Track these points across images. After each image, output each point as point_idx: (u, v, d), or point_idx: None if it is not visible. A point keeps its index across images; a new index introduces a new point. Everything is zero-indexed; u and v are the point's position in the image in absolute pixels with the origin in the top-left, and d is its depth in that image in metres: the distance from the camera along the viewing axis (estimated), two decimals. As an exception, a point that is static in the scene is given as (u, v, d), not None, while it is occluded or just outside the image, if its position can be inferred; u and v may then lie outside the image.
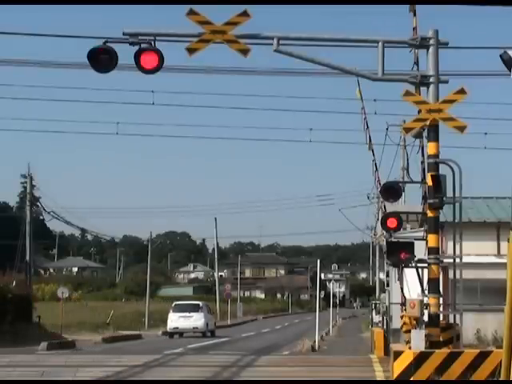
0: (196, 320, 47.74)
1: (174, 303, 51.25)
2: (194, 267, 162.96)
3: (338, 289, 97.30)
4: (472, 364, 16.94)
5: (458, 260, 19.42)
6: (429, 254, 18.62)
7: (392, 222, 19.99)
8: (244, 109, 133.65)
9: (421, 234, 20.45)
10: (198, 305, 49.69)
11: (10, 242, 58.19)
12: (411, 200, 42.29)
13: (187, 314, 47.91)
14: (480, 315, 31.47)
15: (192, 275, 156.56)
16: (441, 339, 18.26)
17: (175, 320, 48.09)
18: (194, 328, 47.80)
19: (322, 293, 55.01)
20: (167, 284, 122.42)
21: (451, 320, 19.99)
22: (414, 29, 19.37)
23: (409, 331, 18.26)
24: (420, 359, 17.01)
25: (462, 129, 18.57)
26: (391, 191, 19.88)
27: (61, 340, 38.99)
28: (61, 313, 42.45)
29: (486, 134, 36.96)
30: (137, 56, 17.81)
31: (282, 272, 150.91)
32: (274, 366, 24.20)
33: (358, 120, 28.23)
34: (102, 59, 17.70)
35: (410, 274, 21.25)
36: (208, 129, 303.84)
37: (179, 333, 48.23)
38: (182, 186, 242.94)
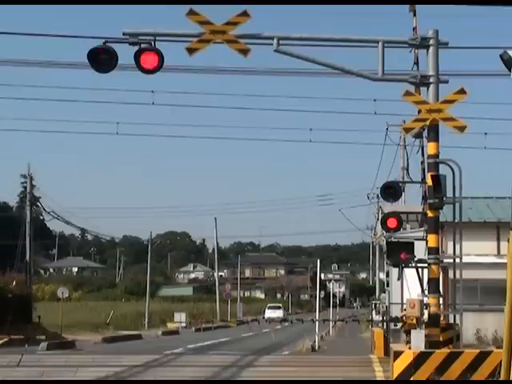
0: (279, 313, 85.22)
1: (268, 305, 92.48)
2: (194, 267, 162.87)
3: (337, 289, 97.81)
4: (472, 364, 16.93)
5: (458, 260, 19.41)
6: (429, 254, 18.61)
7: (392, 222, 19.99)
8: (244, 109, 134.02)
9: (421, 234, 20.42)
10: (280, 306, 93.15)
11: (10, 242, 58.18)
12: (411, 200, 42.37)
13: (274, 310, 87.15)
14: (480, 315, 31.45)
15: (192, 275, 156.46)
16: (441, 339, 18.24)
17: (269, 313, 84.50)
18: (277, 317, 79.84)
19: (322, 293, 55.83)
20: (167, 284, 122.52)
21: (451, 320, 19.98)
22: (413, 29, 19.36)
23: (409, 331, 18.24)
24: (420, 359, 17.00)
25: (462, 129, 18.56)
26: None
27: (61, 340, 38.99)
28: (61, 313, 42.47)
29: (486, 134, 36.98)
30: (137, 56, 17.81)
31: (282, 272, 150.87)
32: (274, 366, 24.17)
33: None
34: (101, 59, 17.70)
35: (410, 274, 21.23)
36: (208, 129, 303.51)
37: (270, 320, 73.50)
38: (182, 186, 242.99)
